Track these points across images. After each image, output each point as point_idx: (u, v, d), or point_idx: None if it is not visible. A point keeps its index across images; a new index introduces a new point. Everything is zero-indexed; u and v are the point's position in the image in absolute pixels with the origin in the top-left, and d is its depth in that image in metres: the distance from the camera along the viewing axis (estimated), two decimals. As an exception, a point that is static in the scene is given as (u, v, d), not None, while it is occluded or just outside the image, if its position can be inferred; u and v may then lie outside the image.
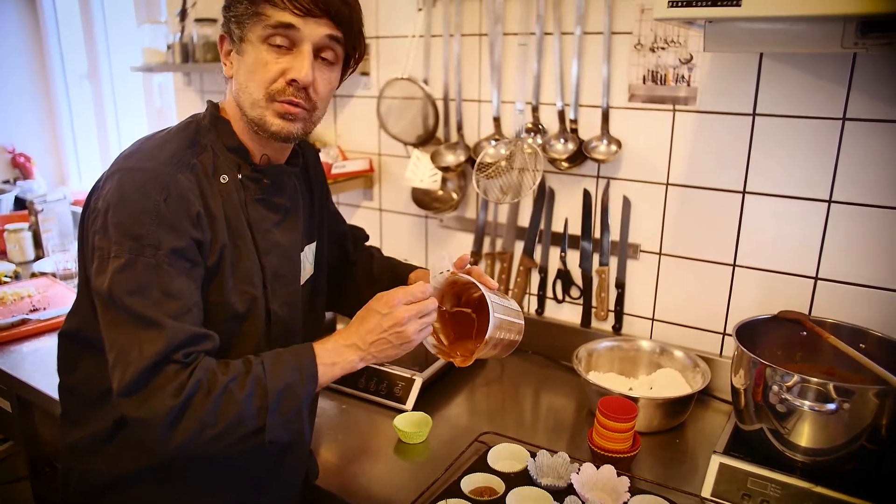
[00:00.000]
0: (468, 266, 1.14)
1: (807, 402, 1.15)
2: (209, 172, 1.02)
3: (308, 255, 1.22)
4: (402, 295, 1.04)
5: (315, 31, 0.99)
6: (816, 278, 1.47)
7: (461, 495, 1.17)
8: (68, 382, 1.14)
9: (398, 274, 1.35)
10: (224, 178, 1.04)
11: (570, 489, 1.17)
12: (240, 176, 1.06)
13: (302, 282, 1.19)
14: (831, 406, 1.13)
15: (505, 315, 1.10)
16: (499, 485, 1.20)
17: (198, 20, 2.26)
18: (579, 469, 1.20)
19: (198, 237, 0.97)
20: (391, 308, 1.02)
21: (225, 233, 1.01)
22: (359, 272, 1.40)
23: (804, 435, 1.19)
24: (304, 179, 1.23)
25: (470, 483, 1.21)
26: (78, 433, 1.11)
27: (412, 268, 1.36)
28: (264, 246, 1.07)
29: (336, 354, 1.02)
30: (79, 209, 3.01)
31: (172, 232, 0.94)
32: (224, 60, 1.04)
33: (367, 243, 1.48)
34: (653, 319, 1.70)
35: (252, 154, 1.07)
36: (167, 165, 0.98)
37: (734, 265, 1.56)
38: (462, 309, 1.15)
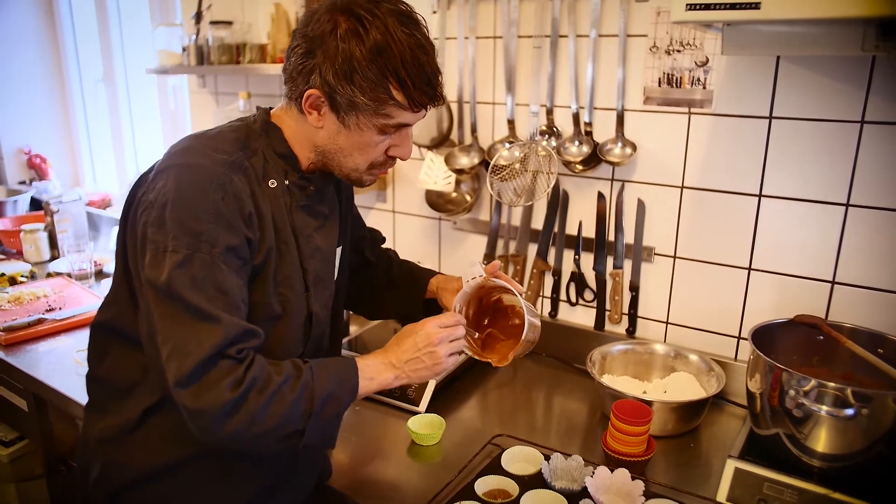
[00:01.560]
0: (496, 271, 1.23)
1: (824, 408, 1.14)
2: (259, 176, 1.05)
3: (336, 258, 1.24)
4: (436, 320, 1.13)
5: (421, 115, 1.06)
6: (833, 282, 1.46)
7: (475, 497, 1.17)
8: (97, 372, 1.15)
9: (416, 278, 1.39)
10: (273, 183, 1.07)
11: (584, 493, 1.17)
12: (287, 182, 1.09)
13: None
14: (850, 411, 1.12)
15: (534, 318, 1.18)
16: (513, 487, 1.20)
17: (213, 22, 2.28)
18: (594, 472, 1.20)
19: (249, 236, 1.00)
20: (424, 329, 1.12)
21: (272, 235, 1.05)
22: (377, 275, 1.43)
23: (821, 440, 1.18)
24: (335, 185, 1.25)
25: (484, 485, 1.20)
26: (102, 423, 1.12)
27: (431, 273, 1.39)
28: (307, 250, 1.11)
29: (375, 371, 1.09)
30: (94, 210, 3.05)
31: (229, 230, 0.97)
32: (308, 110, 1.03)
33: (384, 245, 1.50)
34: (667, 323, 1.69)
35: (300, 161, 1.10)
36: (222, 166, 1.00)
37: (749, 269, 1.55)
38: (493, 331, 1.25)
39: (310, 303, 1.12)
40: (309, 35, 0.99)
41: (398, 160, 1.12)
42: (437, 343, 1.10)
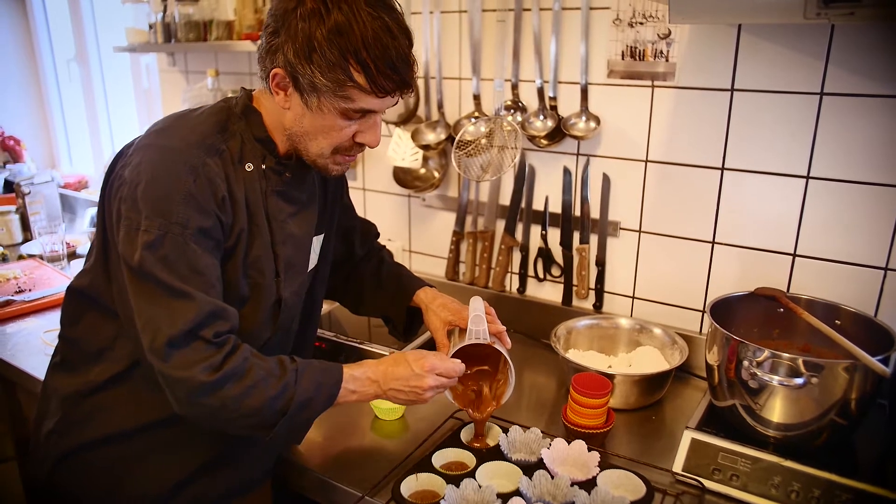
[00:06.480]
0: (494, 315, 1.27)
1: (776, 377, 1.15)
2: (235, 159, 1.05)
3: (315, 246, 1.24)
4: (439, 366, 1.14)
5: (387, 103, 1.03)
6: (795, 255, 1.46)
7: (432, 470, 1.17)
8: (69, 335, 1.17)
9: (404, 286, 1.39)
10: (249, 167, 1.07)
11: (540, 464, 1.18)
12: (263, 166, 1.09)
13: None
14: (801, 381, 1.13)
15: (512, 378, 1.22)
16: (470, 459, 1.20)
17: (180, -1, 2.24)
18: (550, 444, 1.21)
19: (222, 219, 1.01)
20: (424, 372, 1.13)
21: (244, 219, 1.05)
22: (365, 272, 1.43)
23: (775, 410, 1.19)
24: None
25: (442, 458, 1.21)
26: (67, 380, 1.15)
27: (419, 283, 1.39)
28: (280, 236, 1.11)
29: (360, 384, 1.12)
30: (69, 192, 3.02)
31: (200, 212, 0.98)
32: (275, 90, 1.03)
33: (379, 242, 1.50)
34: (633, 297, 1.70)
35: (278, 147, 1.10)
36: (197, 148, 1.01)
37: (713, 242, 1.55)
38: (482, 368, 1.27)
39: (279, 288, 1.12)
40: (276, 14, 0.99)
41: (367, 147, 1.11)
42: (425, 388, 1.12)
